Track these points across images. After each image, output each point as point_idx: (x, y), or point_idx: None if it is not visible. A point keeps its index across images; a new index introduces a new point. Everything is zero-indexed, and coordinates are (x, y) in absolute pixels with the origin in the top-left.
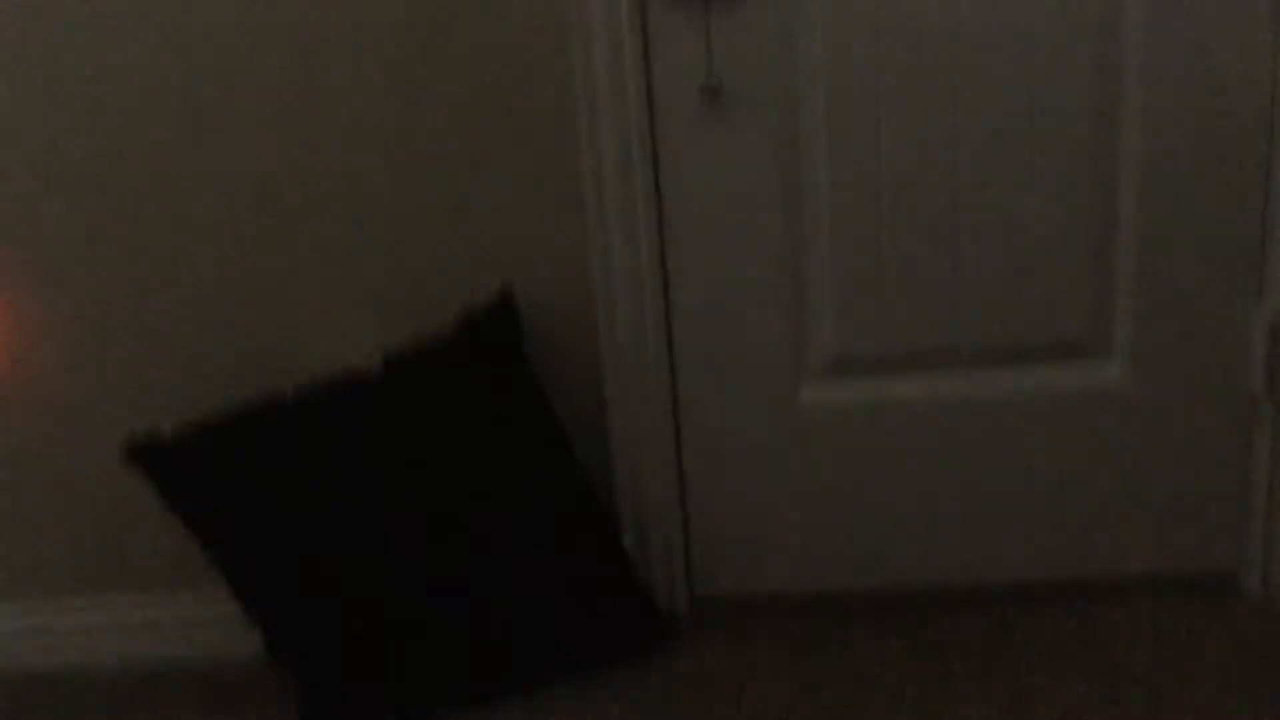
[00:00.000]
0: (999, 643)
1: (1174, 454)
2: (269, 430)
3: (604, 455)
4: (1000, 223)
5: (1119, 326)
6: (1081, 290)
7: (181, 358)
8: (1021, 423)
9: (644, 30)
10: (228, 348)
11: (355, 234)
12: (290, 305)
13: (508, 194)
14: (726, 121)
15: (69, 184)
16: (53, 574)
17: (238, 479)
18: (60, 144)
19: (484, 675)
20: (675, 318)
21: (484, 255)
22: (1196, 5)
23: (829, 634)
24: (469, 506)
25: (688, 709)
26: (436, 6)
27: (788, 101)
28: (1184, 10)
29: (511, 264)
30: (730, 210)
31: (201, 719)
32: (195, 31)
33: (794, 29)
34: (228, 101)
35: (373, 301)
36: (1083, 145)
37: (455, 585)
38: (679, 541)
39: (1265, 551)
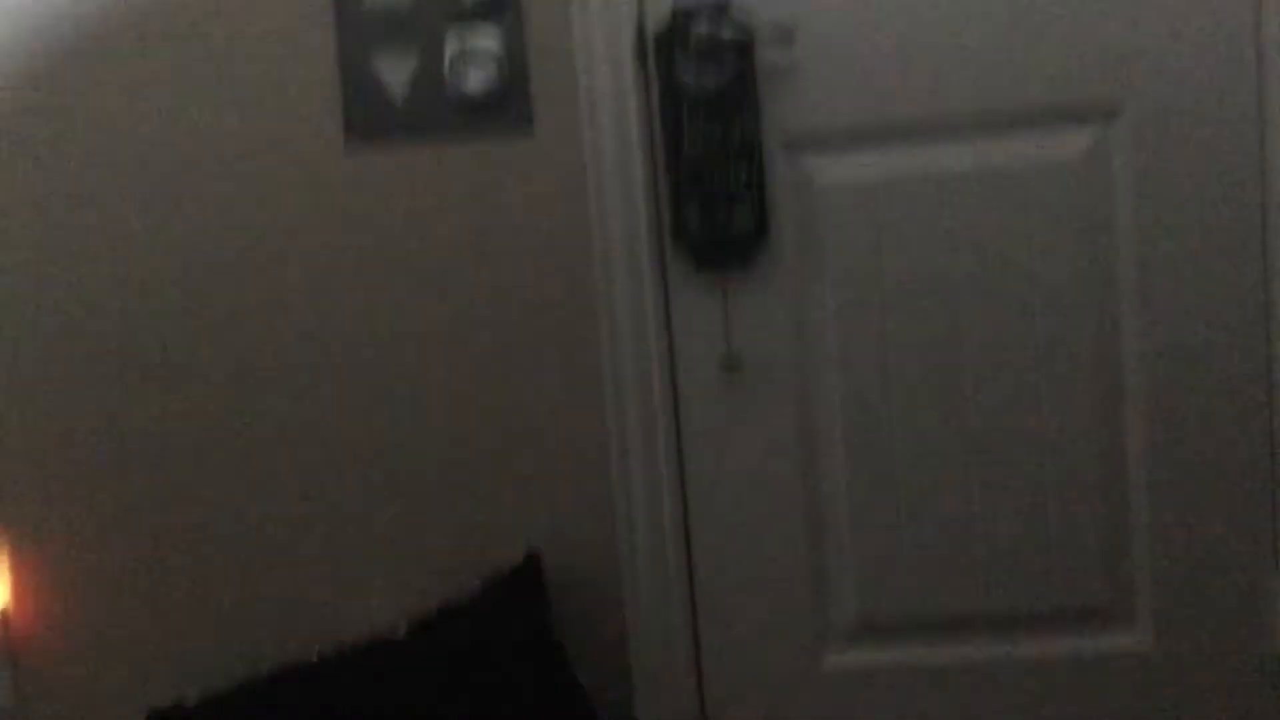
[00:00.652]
0: None
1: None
2: (294, 697)
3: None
4: (1016, 489)
5: (1139, 592)
6: (1098, 558)
7: (206, 622)
8: (1045, 688)
9: (666, 307)
10: (252, 610)
11: (382, 497)
12: (314, 566)
13: (533, 458)
14: (746, 392)
15: (89, 451)
16: None
17: None
18: (68, 419)
19: None
20: (698, 582)
21: (509, 517)
22: (1190, 281)
23: None
24: None
25: None
26: (470, 279)
27: (803, 373)
28: (1179, 283)
29: (536, 527)
30: (751, 477)
31: None
32: (230, 295)
33: (808, 306)
34: (255, 367)
35: (399, 563)
36: (1089, 413)
37: None
38: None
39: None
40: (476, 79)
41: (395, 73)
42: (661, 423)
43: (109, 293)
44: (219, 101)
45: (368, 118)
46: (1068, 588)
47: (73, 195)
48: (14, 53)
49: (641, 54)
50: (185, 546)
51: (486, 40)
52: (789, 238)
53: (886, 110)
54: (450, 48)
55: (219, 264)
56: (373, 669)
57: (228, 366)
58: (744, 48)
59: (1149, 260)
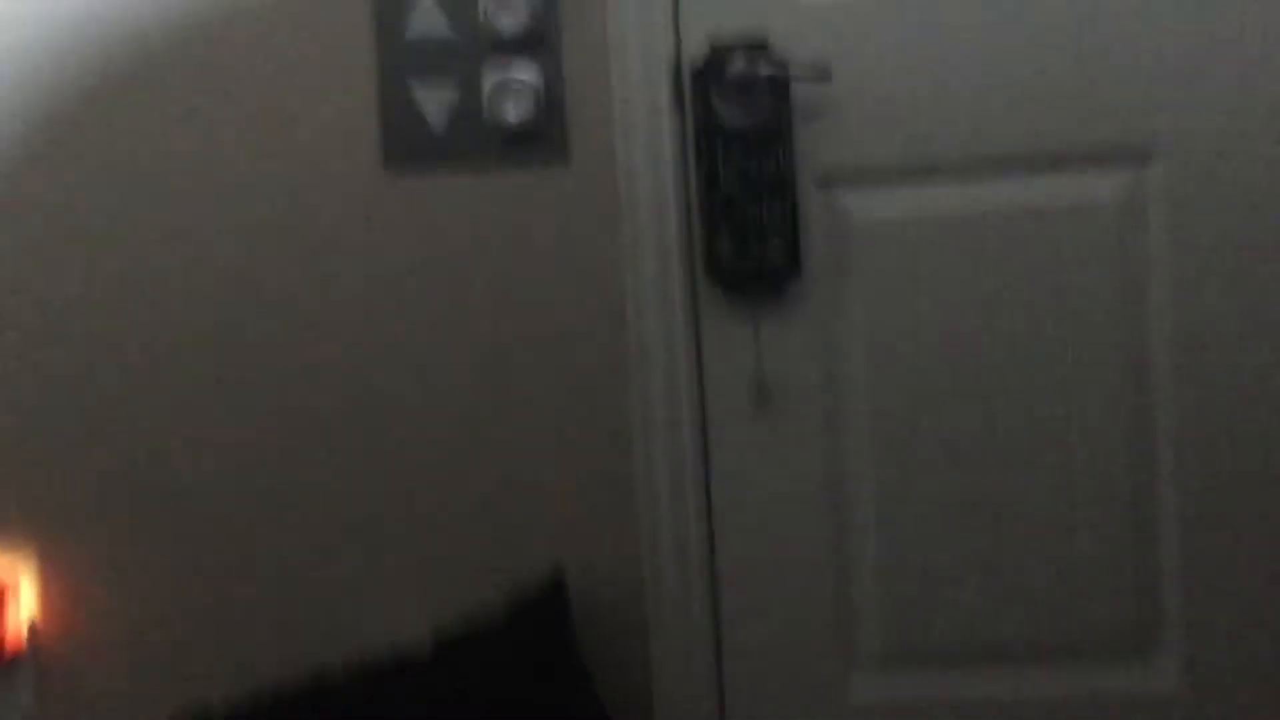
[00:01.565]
0: None
1: None
2: (317, 710)
3: None
4: (1046, 522)
5: (1170, 626)
6: (1130, 590)
7: (231, 634)
8: None
9: (697, 337)
10: (276, 623)
11: (409, 518)
12: (338, 582)
13: (560, 479)
14: (775, 423)
15: (117, 467)
16: None
17: None
18: (111, 422)
19: None
20: (723, 610)
21: (534, 537)
22: (1227, 323)
23: None
24: None
25: None
26: (503, 306)
27: (833, 406)
28: (1215, 323)
29: (562, 553)
30: (778, 507)
31: None
32: (263, 322)
33: (838, 339)
34: (285, 385)
35: (423, 582)
36: (1120, 452)
37: None
38: None
39: None
40: (514, 111)
41: (434, 103)
42: (690, 451)
43: (144, 313)
44: (259, 129)
45: (406, 147)
46: (1098, 621)
47: (112, 219)
48: (54, 81)
49: (678, 89)
50: (211, 559)
51: (525, 73)
52: (821, 272)
53: (921, 148)
54: (489, 79)
55: (257, 289)
56: (398, 689)
57: (260, 385)
58: (781, 84)
59: (1184, 302)
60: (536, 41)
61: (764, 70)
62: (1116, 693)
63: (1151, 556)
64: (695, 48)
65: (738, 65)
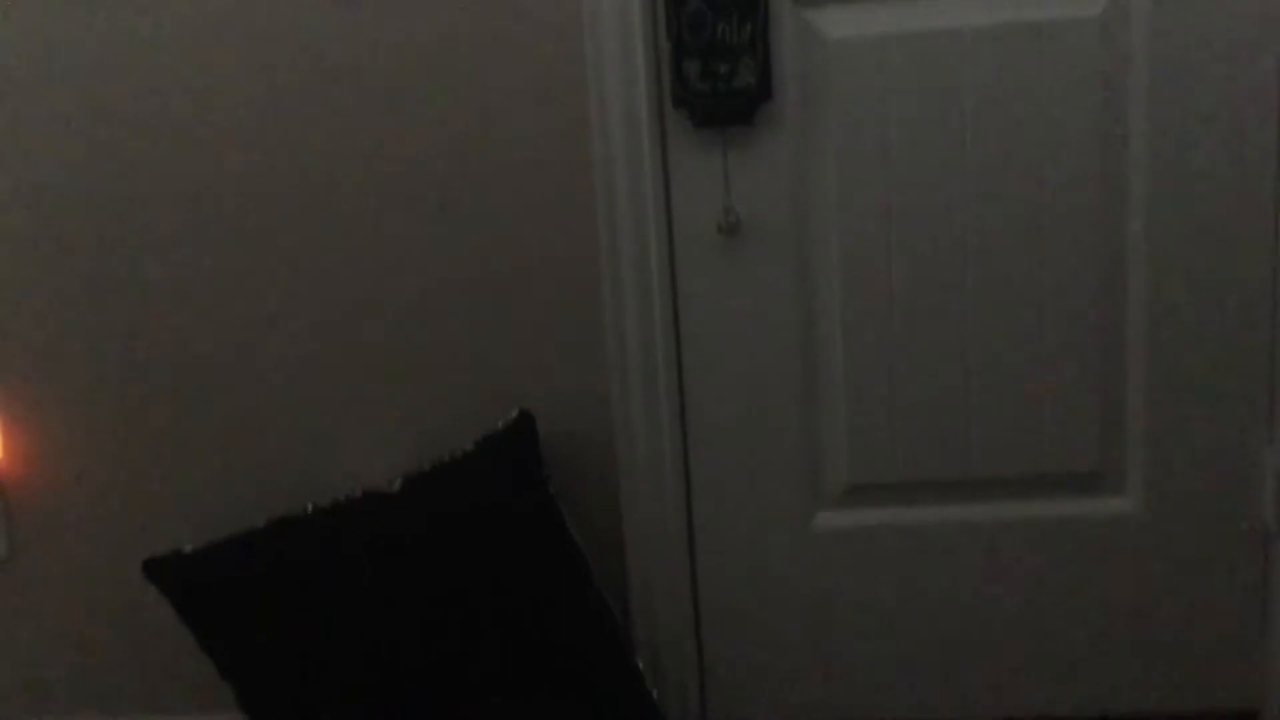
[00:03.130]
0: None
1: (1187, 588)
2: (288, 545)
3: (620, 581)
4: (1011, 355)
5: (1130, 460)
6: (1092, 424)
7: (202, 479)
8: (1033, 552)
9: (664, 166)
10: (247, 469)
11: (375, 356)
12: (309, 426)
13: (528, 317)
14: (744, 254)
15: (83, 305)
16: (77, 693)
17: (255, 595)
18: (75, 259)
19: None
20: (692, 446)
21: (503, 377)
22: (1200, 142)
23: None
24: (488, 626)
25: None
26: (464, 134)
27: (803, 233)
28: (1189, 144)
29: (531, 394)
30: (746, 339)
31: None
32: (222, 153)
33: (810, 166)
34: (251, 225)
35: (393, 422)
36: (1091, 280)
37: (471, 704)
38: (694, 668)
39: None
40: None
41: None
42: (658, 283)
43: (103, 140)
44: None
45: None
46: (1061, 453)
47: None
48: None
49: None
50: (180, 402)
51: None
52: (793, 95)
53: None
54: None
55: (213, 117)
56: (367, 519)
57: (217, 218)
58: None
59: (1159, 120)
60: None
61: None
62: (1079, 520)
63: (1117, 389)
64: None
65: None
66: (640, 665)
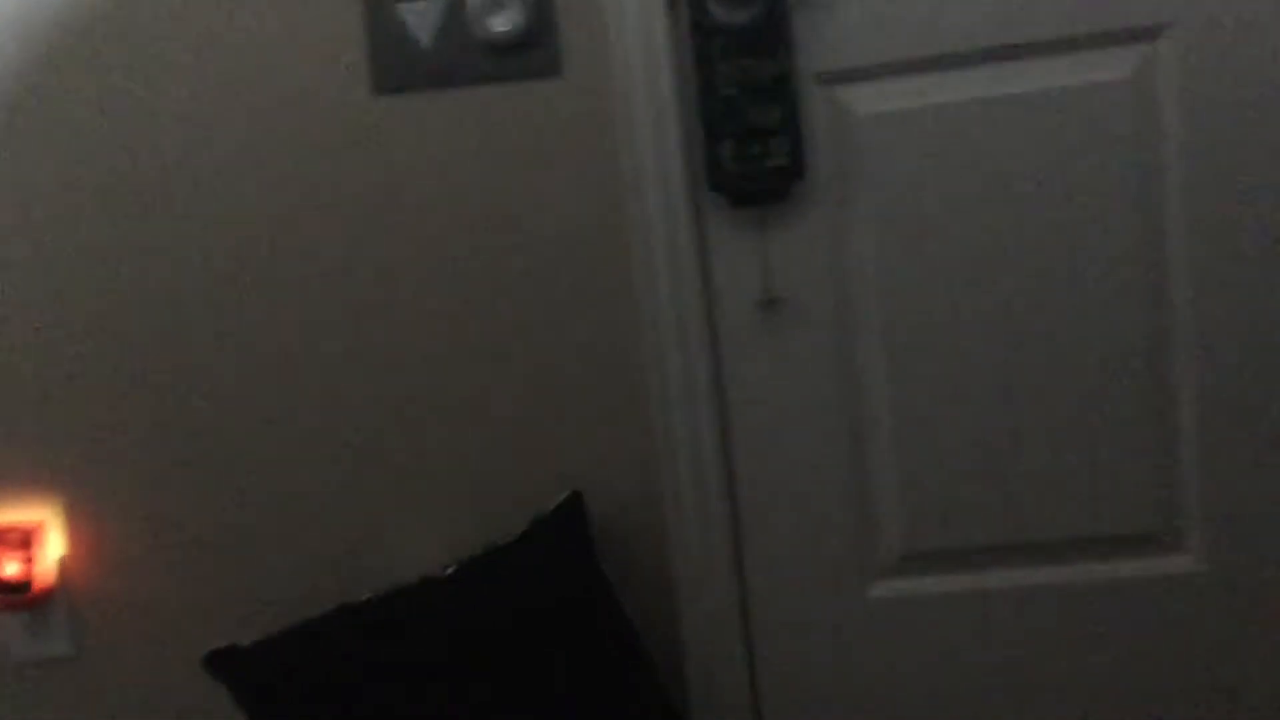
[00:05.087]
0: None
1: (1253, 644)
2: (346, 635)
3: (677, 660)
4: (1062, 417)
5: (1189, 518)
6: (1148, 482)
7: (260, 569)
8: (1095, 614)
9: (702, 246)
10: (305, 557)
11: (425, 444)
12: (364, 514)
13: (575, 406)
14: (785, 329)
15: (142, 401)
16: None
17: (315, 685)
18: (133, 360)
19: None
20: (742, 521)
21: (552, 466)
22: (1239, 199)
23: None
24: (545, 710)
25: None
26: (504, 226)
27: (843, 305)
28: (1227, 201)
29: (580, 474)
30: (792, 412)
31: None
32: (283, 249)
33: (846, 239)
34: (308, 318)
35: (445, 509)
36: (1138, 339)
37: None
38: None
39: None
40: (503, 22)
41: (420, 19)
42: (701, 361)
43: (152, 250)
44: (246, 58)
45: (395, 67)
46: (1116, 513)
47: (105, 156)
48: (43, 13)
49: None
50: (236, 495)
51: None
52: (826, 172)
53: (923, 38)
54: None
55: (254, 222)
56: (423, 605)
57: (269, 316)
58: None
59: (1196, 180)
60: None
61: None
62: (1138, 581)
63: (1171, 446)
64: None
65: None
66: None
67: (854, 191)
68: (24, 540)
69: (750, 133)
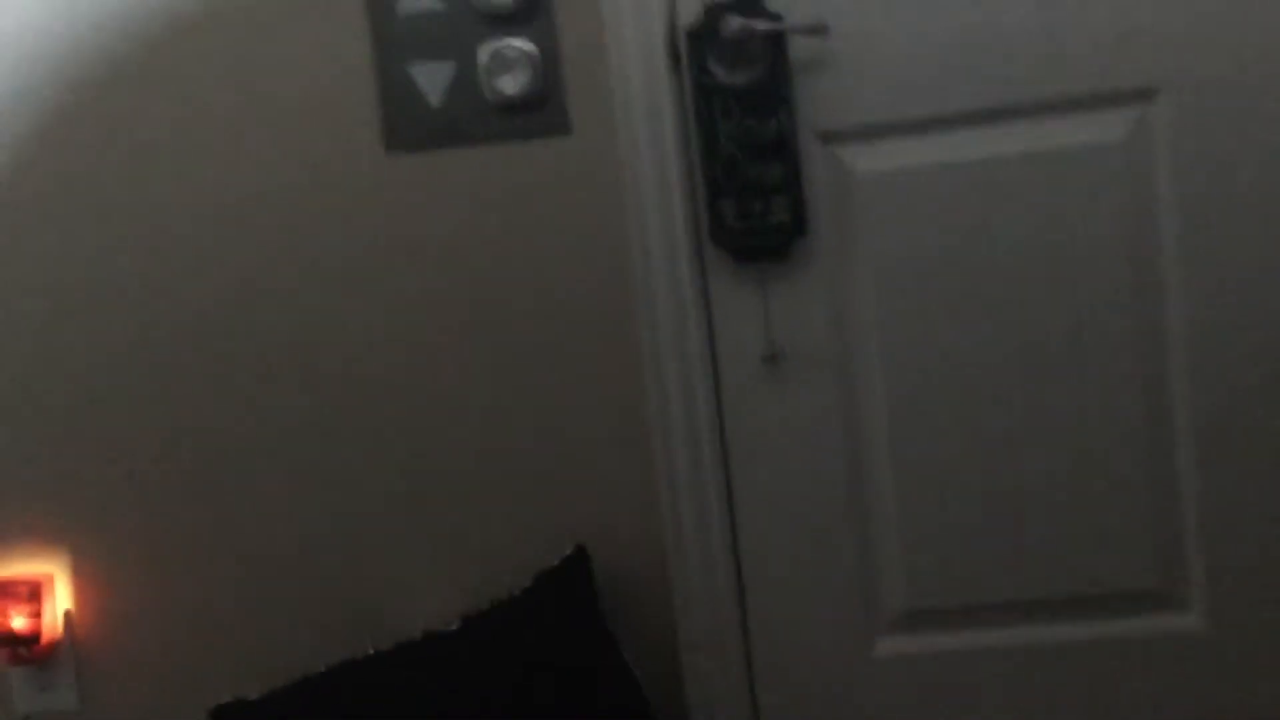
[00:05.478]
0: None
1: (1257, 703)
2: (351, 690)
3: (680, 710)
4: (1063, 474)
5: (1191, 576)
6: (1149, 540)
7: (264, 622)
8: (1097, 672)
9: (706, 302)
10: (308, 611)
11: (428, 498)
12: (366, 567)
13: (579, 456)
14: (788, 384)
15: (146, 455)
16: None
17: None
18: (142, 414)
19: None
20: (746, 576)
21: (556, 514)
22: (1235, 260)
23: None
24: None
25: None
26: (511, 282)
27: (845, 360)
28: (1224, 263)
29: (584, 528)
30: (795, 468)
31: None
32: (278, 302)
33: (848, 296)
34: (311, 375)
35: (448, 563)
36: (1137, 397)
37: None
38: None
39: None
40: (512, 82)
41: (432, 80)
42: (704, 416)
43: (161, 304)
44: (257, 118)
45: (406, 126)
46: (1118, 571)
47: (120, 216)
48: (55, 70)
49: (674, 50)
50: (241, 548)
51: (521, 43)
52: (827, 229)
53: (923, 100)
54: (484, 52)
55: (266, 279)
56: (428, 661)
57: (278, 372)
58: (777, 40)
59: (1193, 241)
60: (531, 11)
61: (759, 26)
62: (1141, 639)
63: (1173, 504)
64: (690, 8)
65: (733, 23)
66: None
67: (854, 248)
68: (32, 593)
69: (752, 190)
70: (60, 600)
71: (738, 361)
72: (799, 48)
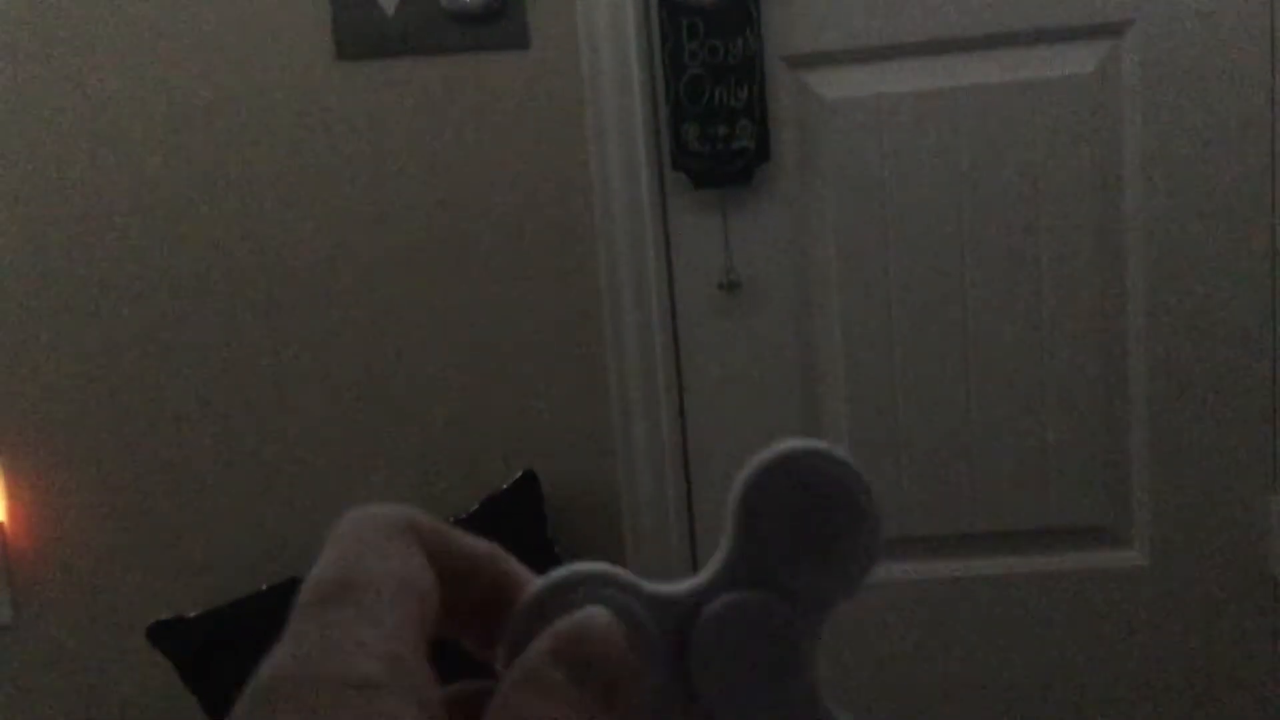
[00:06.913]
0: None
1: (1197, 638)
2: (284, 606)
3: None
4: (1014, 408)
5: (1137, 513)
6: (1097, 478)
7: (204, 538)
8: (1043, 606)
9: (665, 226)
10: (251, 529)
11: (380, 418)
12: (312, 487)
13: (532, 383)
14: (745, 310)
15: (90, 368)
16: None
17: (260, 659)
18: (80, 323)
19: None
20: (696, 501)
21: (509, 438)
22: (1198, 196)
23: None
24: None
25: None
26: (465, 199)
27: (803, 289)
28: (1186, 198)
29: (535, 452)
30: (749, 395)
31: None
32: (228, 211)
33: (808, 224)
34: (263, 296)
35: (398, 485)
36: (1092, 333)
37: None
38: None
39: None
40: None
41: None
42: (660, 341)
43: (107, 211)
44: (210, 25)
45: (359, 33)
46: (1068, 507)
47: (64, 113)
48: None
49: None
50: (182, 462)
51: None
52: (790, 155)
53: (894, 26)
54: None
55: (216, 186)
56: None
57: (225, 284)
58: None
59: (1156, 175)
60: None
61: None
62: (1087, 573)
63: (1121, 442)
64: None
65: None
66: None
67: (818, 175)
68: None
69: (716, 114)
70: None
71: (695, 287)
72: None
